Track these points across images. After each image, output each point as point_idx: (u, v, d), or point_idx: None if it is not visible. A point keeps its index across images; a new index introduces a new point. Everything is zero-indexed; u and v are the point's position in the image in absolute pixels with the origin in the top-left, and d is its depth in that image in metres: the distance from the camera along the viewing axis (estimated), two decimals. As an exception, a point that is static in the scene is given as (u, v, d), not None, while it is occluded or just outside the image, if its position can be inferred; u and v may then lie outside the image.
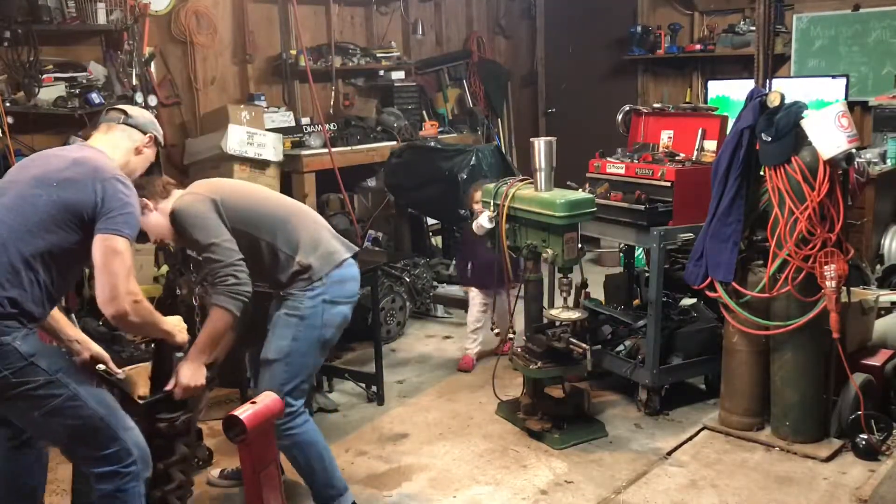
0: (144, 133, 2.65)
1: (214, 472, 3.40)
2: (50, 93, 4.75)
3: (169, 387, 2.62)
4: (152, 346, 2.73)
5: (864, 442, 3.39)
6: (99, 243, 2.33)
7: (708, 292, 3.64)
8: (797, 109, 3.31)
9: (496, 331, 4.56)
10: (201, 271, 3.05)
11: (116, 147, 2.58)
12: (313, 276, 2.85)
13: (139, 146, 2.63)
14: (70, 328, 2.65)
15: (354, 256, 3.04)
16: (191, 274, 4.47)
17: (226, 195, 2.85)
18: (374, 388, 4.18)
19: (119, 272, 2.31)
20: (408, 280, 5.28)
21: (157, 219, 2.83)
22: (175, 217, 2.79)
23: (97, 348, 2.67)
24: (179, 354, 2.70)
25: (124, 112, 2.65)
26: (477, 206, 4.33)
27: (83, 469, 2.49)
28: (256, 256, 2.83)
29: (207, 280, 2.74)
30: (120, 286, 2.31)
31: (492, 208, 3.81)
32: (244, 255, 2.74)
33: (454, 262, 5.67)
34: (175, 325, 2.61)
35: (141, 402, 2.60)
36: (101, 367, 2.61)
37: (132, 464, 2.42)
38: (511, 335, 3.77)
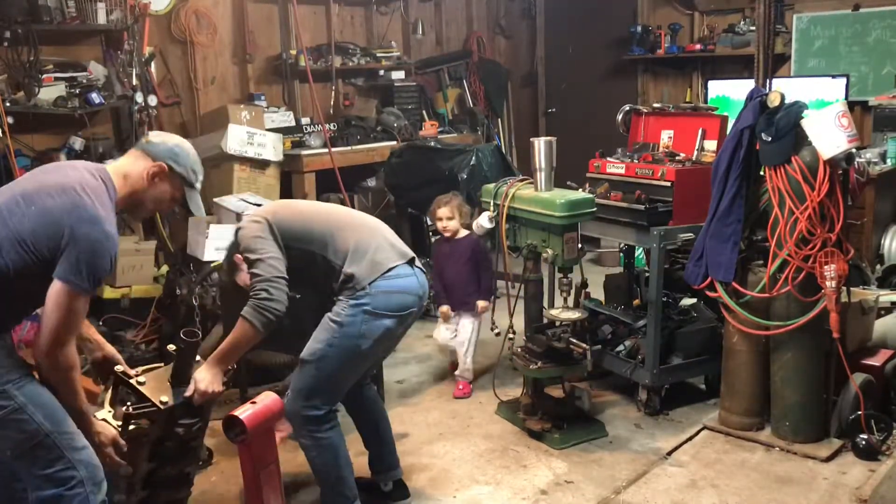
0: (154, 160, 2.49)
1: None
2: (50, 93, 4.75)
3: (188, 393, 2.61)
4: (174, 350, 2.71)
5: (864, 442, 3.39)
6: (55, 289, 2.22)
7: (708, 292, 3.64)
8: (797, 109, 3.31)
9: (496, 330, 4.55)
10: (202, 272, 3.05)
11: (126, 175, 2.46)
12: (357, 286, 2.84)
13: (146, 174, 2.47)
14: (85, 327, 2.59)
15: (411, 262, 3.02)
16: (191, 274, 4.47)
17: (280, 216, 2.93)
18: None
19: (62, 325, 2.22)
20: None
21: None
22: (236, 239, 2.92)
23: (111, 349, 2.65)
24: (199, 359, 2.71)
25: (146, 137, 2.57)
26: (440, 224, 4.34)
27: (29, 492, 2.36)
28: (313, 269, 2.88)
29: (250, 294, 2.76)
30: (58, 339, 2.22)
31: (492, 208, 3.82)
32: (303, 269, 2.82)
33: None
34: (101, 426, 2.45)
35: (162, 406, 2.57)
36: (119, 368, 2.60)
37: (77, 485, 2.32)
38: (511, 335, 3.77)
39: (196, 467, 2.84)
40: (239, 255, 2.88)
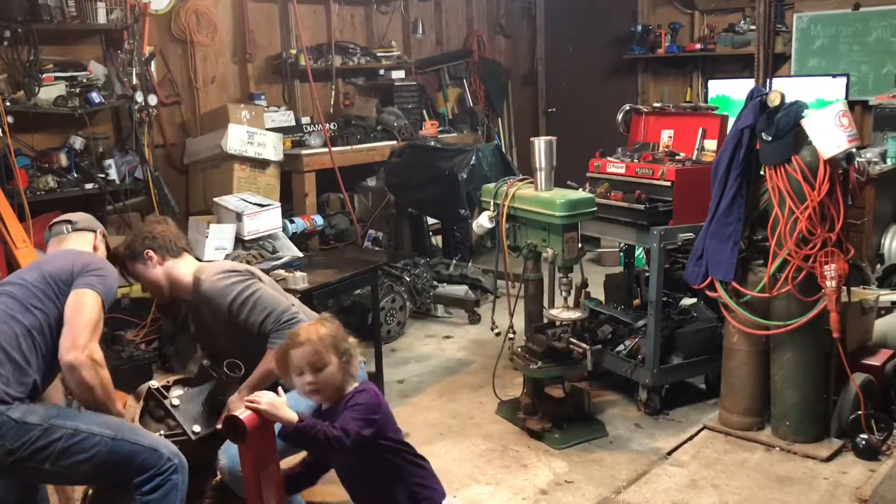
0: (94, 232, 2.81)
1: None
2: (50, 92, 4.75)
3: (220, 425, 2.62)
4: (210, 370, 2.75)
5: (864, 442, 3.39)
6: (70, 298, 2.42)
7: (708, 292, 3.64)
8: (797, 109, 3.30)
9: (496, 330, 4.56)
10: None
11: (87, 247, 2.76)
12: None
13: (94, 244, 2.78)
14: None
15: None
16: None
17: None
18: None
19: (82, 324, 2.36)
20: (408, 280, 5.29)
21: (155, 274, 2.92)
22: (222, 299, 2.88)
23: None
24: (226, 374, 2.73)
25: (68, 221, 2.80)
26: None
27: (133, 497, 2.42)
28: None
29: (266, 328, 2.82)
30: (80, 337, 2.33)
31: (492, 208, 3.81)
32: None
33: None
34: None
35: (194, 437, 2.61)
36: (154, 384, 2.65)
37: (167, 461, 2.41)
38: (511, 335, 3.77)
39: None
40: (150, 251, 2.92)
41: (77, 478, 2.48)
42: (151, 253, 2.89)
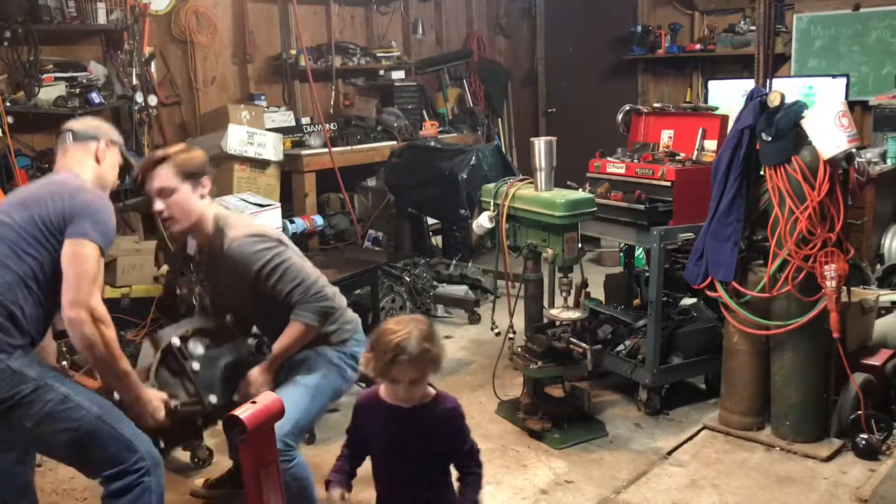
0: (96, 139, 2.62)
1: (198, 482, 3.34)
2: (50, 92, 4.75)
3: (237, 397, 2.63)
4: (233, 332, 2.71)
5: (864, 441, 3.39)
6: (65, 248, 2.31)
7: (708, 292, 3.64)
8: (797, 109, 3.31)
9: (496, 330, 4.56)
10: (200, 273, 3.02)
11: (81, 165, 2.58)
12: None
13: (97, 154, 2.61)
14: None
15: None
16: (191, 274, 4.46)
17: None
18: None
19: (81, 278, 2.27)
20: (408, 280, 5.29)
21: (196, 205, 2.76)
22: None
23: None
24: (251, 341, 2.71)
25: (71, 130, 2.65)
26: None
27: (99, 482, 2.41)
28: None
29: (293, 298, 2.73)
30: (81, 292, 2.26)
31: (492, 208, 3.81)
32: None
33: None
34: (149, 395, 2.46)
35: (210, 408, 2.59)
36: (176, 343, 2.60)
37: (139, 460, 2.37)
38: (511, 335, 3.77)
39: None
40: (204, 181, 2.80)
41: (49, 447, 2.43)
42: (209, 181, 2.79)
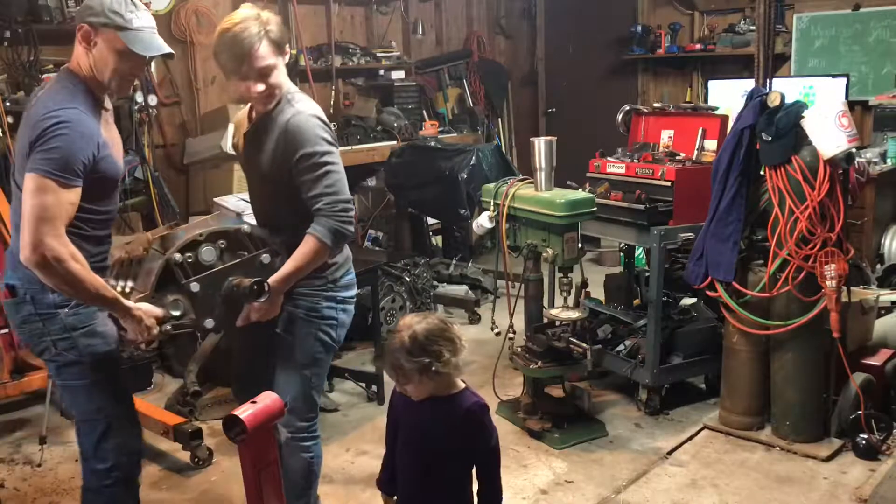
0: (80, 27, 2.30)
1: None
2: (50, 92, 4.75)
3: (240, 322, 2.50)
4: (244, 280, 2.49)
5: (864, 441, 3.39)
6: (24, 184, 2.15)
7: (708, 292, 3.64)
8: (797, 109, 3.31)
9: (496, 330, 4.56)
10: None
11: (76, 59, 2.35)
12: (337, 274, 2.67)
13: (79, 45, 2.32)
14: None
15: None
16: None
17: None
18: (374, 388, 4.18)
19: (26, 220, 2.11)
20: (408, 280, 5.28)
21: (272, 62, 2.49)
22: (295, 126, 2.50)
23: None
24: (266, 258, 2.51)
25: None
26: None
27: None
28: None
29: (316, 204, 2.47)
30: (26, 235, 2.10)
31: (492, 208, 3.81)
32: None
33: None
34: (141, 312, 2.31)
35: (203, 330, 2.50)
36: (178, 257, 2.46)
37: (113, 468, 2.41)
38: (511, 335, 3.76)
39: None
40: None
41: (67, 372, 2.37)
42: (288, 48, 2.56)
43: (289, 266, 2.47)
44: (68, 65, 2.36)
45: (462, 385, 2.23)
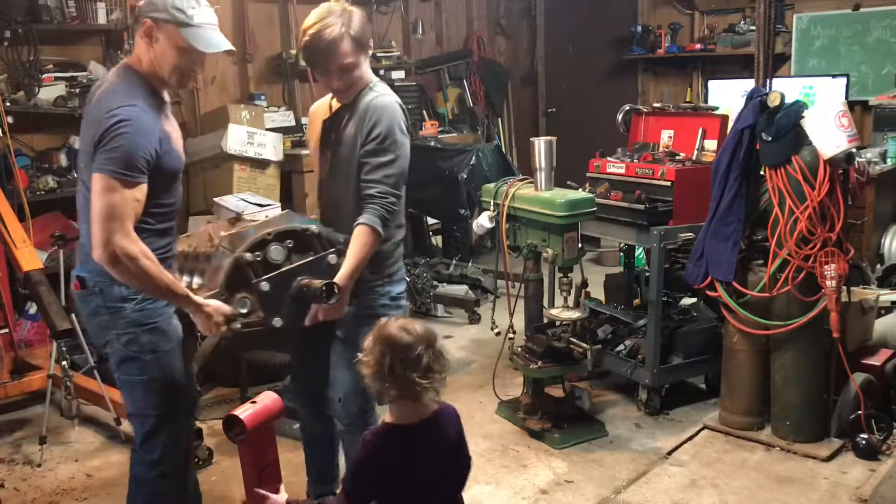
0: (146, 20, 2.30)
1: None
2: (50, 92, 4.75)
3: (308, 322, 2.53)
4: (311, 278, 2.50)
5: (864, 441, 3.39)
6: (91, 185, 2.20)
7: (708, 292, 3.64)
8: (797, 109, 3.31)
9: (496, 330, 4.56)
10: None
11: (137, 54, 2.37)
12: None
13: (141, 40, 2.33)
14: None
15: None
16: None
17: None
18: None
19: (95, 220, 2.16)
20: (408, 280, 5.28)
21: (364, 69, 2.63)
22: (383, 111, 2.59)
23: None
24: (333, 258, 2.54)
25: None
26: None
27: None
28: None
29: (370, 189, 2.56)
30: (97, 235, 2.16)
31: (492, 208, 3.82)
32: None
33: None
34: (210, 309, 2.32)
35: (271, 329, 2.48)
36: (248, 256, 2.43)
37: (160, 461, 2.45)
38: (511, 335, 3.77)
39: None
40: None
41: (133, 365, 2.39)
42: (371, 44, 2.64)
43: (351, 262, 2.53)
44: (128, 60, 2.40)
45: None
